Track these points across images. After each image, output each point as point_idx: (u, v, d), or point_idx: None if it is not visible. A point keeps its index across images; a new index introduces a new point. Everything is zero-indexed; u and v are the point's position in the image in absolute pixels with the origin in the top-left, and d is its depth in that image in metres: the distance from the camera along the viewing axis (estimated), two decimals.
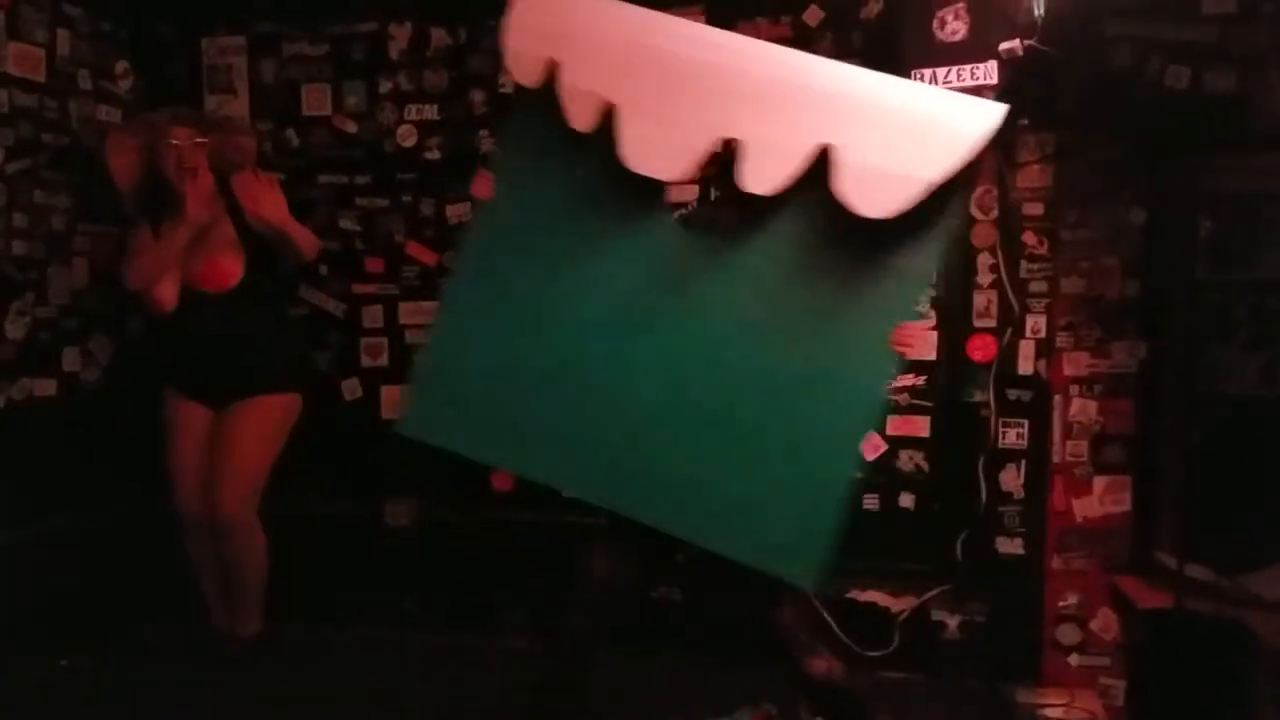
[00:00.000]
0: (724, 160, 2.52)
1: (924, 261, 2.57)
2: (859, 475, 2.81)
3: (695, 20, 3.43)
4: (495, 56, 3.93)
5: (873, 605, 3.73)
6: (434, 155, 4.08)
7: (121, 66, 4.13)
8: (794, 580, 2.59)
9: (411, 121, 4.09)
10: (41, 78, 3.73)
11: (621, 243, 2.61)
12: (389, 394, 4.11)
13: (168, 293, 3.55)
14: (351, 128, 4.16)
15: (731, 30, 3.00)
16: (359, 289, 4.16)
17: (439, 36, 4.06)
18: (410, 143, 4.09)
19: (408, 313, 4.11)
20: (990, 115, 2.46)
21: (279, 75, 4.23)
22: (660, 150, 2.50)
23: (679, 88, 2.53)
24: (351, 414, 4.15)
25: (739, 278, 2.57)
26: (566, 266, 2.63)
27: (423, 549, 4.10)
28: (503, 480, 4.02)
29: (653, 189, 2.57)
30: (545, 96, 2.55)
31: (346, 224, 4.16)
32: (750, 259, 2.57)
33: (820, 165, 2.44)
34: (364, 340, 4.14)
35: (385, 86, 4.12)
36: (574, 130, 2.53)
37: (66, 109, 3.86)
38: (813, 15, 3.74)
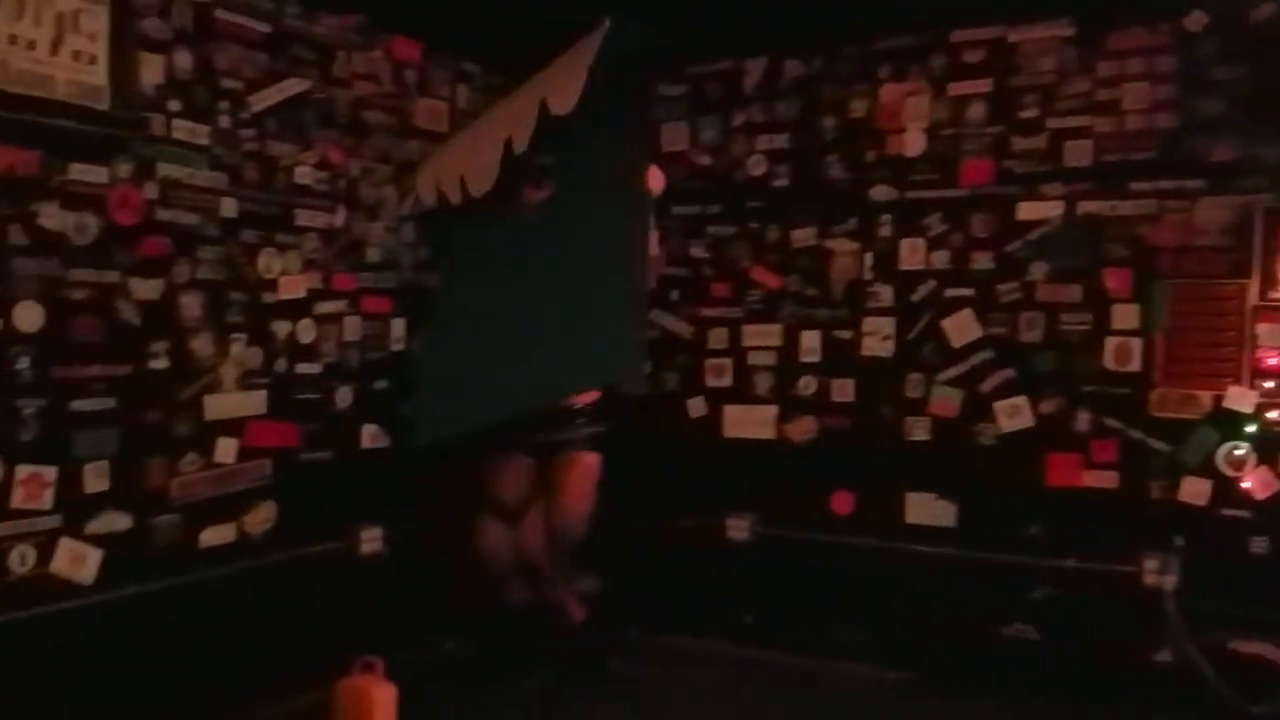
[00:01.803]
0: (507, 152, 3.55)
1: (631, 128, 3.58)
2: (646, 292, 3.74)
3: (1062, 31, 3.71)
4: (848, 83, 4.05)
5: (1258, 659, 3.33)
6: (781, 183, 4.19)
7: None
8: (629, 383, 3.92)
9: (762, 151, 4.24)
10: (445, 128, 4.24)
11: (493, 243, 3.79)
12: (731, 413, 4.25)
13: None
14: (706, 160, 4.37)
15: (1103, 40, 3.60)
16: (705, 312, 4.34)
17: (792, 68, 4.19)
18: (759, 171, 4.23)
19: (751, 335, 4.24)
20: (599, 30, 3.43)
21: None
22: (482, 175, 3.62)
23: (479, 138, 3.80)
24: (696, 431, 4.33)
25: (549, 214, 3.73)
26: (476, 279, 3.81)
27: (762, 565, 4.16)
28: (842, 503, 4.03)
29: (491, 201, 3.69)
30: (441, 204, 3.88)
31: (697, 251, 4.37)
32: (545, 203, 3.76)
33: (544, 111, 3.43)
34: (709, 361, 4.31)
35: (738, 119, 4.30)
36: (453, 205, 3.80)
37: None
38: (1195, 21, 3.48)
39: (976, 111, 3.82)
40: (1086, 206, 3.64)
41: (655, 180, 3.58)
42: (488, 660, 3.92)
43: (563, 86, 3.42)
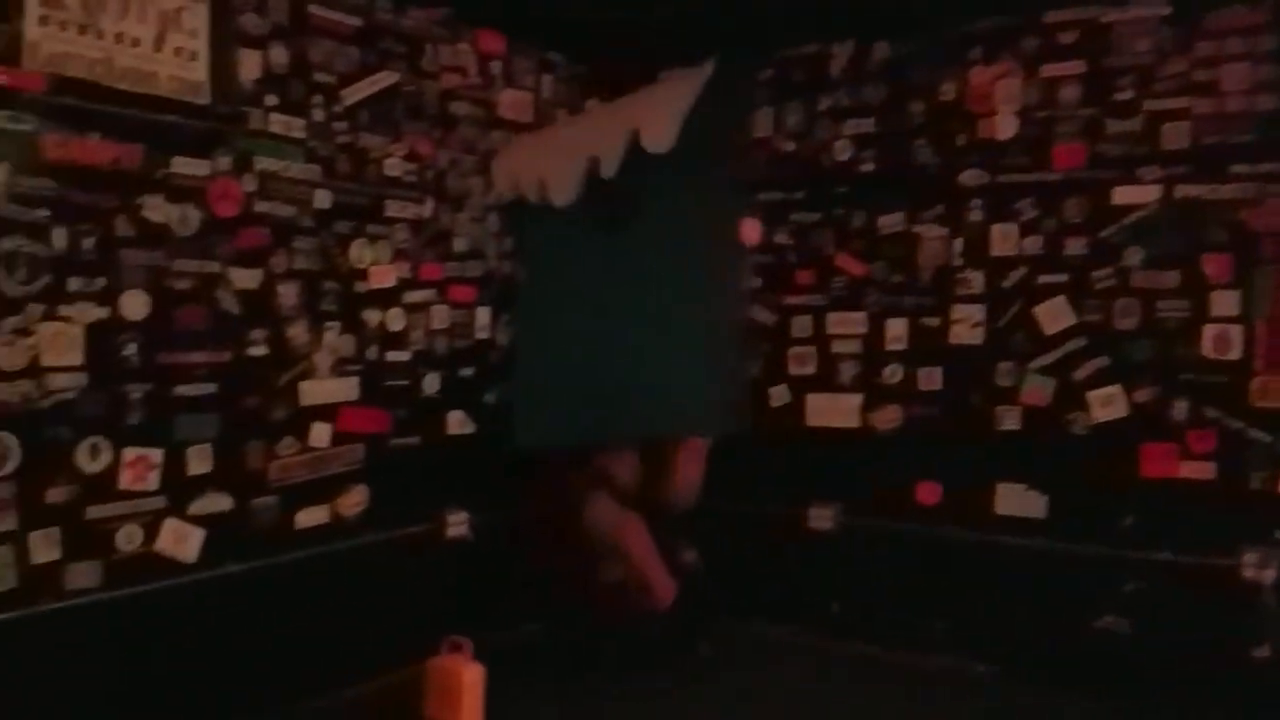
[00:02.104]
0: (592, 171, 3.70)
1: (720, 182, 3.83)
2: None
3: (1158, 11, 3.58)
4: (938, 66, 3.98)
5: None
6: (868, 168, 4.14)
7: (592, 104, 4.63)
8: (714, 432, 3.79)
9: (848, 136, 4.19)
10: (529, 119, 4.28)
11: (578, 256, 3.85)
12: (814, 402, 4.22)
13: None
14: (790, 146, 4.33)
15: (1201, 20, 3.50)
16: (789, 300, 4.30)
17: (880, 50, 4.12)
18: (845, 156, 4.19)
19: (835, 322, 4.20)
20: (706, 69, 3.67)
21: None
22: (565, 185, 3.77)
23: (564, 147, 3.93)
24: (778, 420, 4.31)
25: (638, 246, 3.75)
26: (564, 291, 3.88)
27: (846, 555, 4.14)
28: (929, 493, 3.98)
29: (579, 218, 3.80)
30: (519, 199, 3.96)
31: (780, 238, 4.33)
32: (637, 231, 3.75)
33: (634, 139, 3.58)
34: (792, 349, 4.28)
35: (824, 104, 4.25)
36: (534, 204, 3.89)
37: None
38: None
39: (1070, 94, 3.71)
40: (1184, 190, 3.52)
41: (751, 232, 3.59)
42: (573, 642, 3.98)
43: (659, 122, 3.50)
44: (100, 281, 2.80)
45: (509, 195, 3.98)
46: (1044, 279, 3.77)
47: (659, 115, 3.56)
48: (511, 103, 4.18)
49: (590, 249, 3.84)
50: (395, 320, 3.67)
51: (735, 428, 3.70)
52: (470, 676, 3.11)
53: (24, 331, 2.63)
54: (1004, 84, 3.84)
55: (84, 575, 2.77)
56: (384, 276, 3.63)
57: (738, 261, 3.68)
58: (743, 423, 3.72)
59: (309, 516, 3.38)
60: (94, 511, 2.79)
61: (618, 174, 3.64)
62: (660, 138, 3.49)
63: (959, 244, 3.94)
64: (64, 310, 2.72)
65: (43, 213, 2.66)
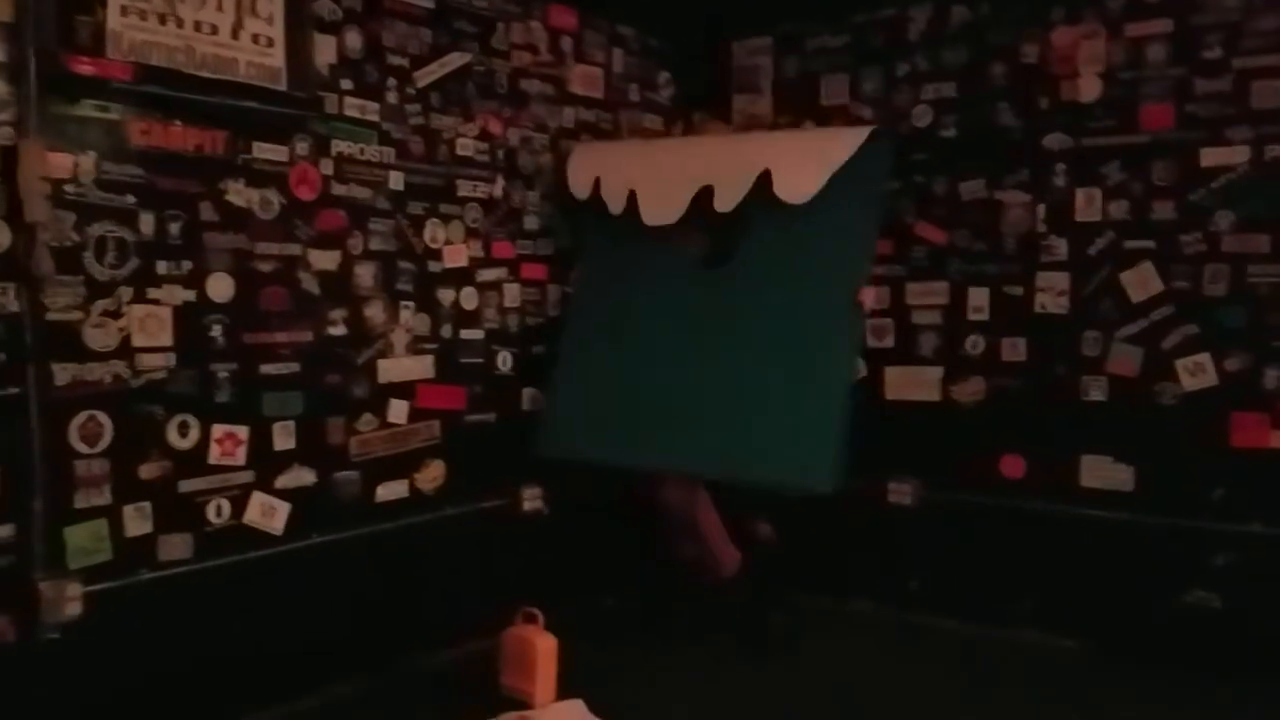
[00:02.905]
0: (702, 200, 3.60)
1: (858, 241, 3.58)
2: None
3: None
4: (1015, 26, 3.86)
5: None
6: (949, 133, 4.04)
7: (663, 77, 4.62)
8: (817, 488, 3.33)
9: (927, 101, 4.10)
10: (600, 94, 4.30)
11: (656, 283, 3.81)
12: (893, 375, 4.16)
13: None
14: (867, 113, 4.25)
15: None
16: None
17: (959, 13, 4.01)
18: (925, 122, 4.09)
19: (914, 293, 4.12)
20: (863, 132, 3.55)
21: (801, 69, 4.46)
22: (661, 206, 3.70)
23: (669, 167, 3.79)
24: (857, 392, 4.23)
25: (733, 278, 3.66)
26: (628, 308, 3.84)
27: (927, 530, 4.08)
28: (1013, 467, 3.90)
29: (664, 233, 3.71)
30: (594, 200, 3.88)
31: None
32: (738, 265, 3.67)
33: (764, 182, 3.49)
34: (870, 321, 4.19)
35: (903, 69, 4.16)
36: (612, 214, 3.83)
37: (618, 121, 4.41)
38: None
39: (1156, 53, 3.57)
40: (1275, 151, 3.36)
41: (869, 298, 3.55)
42: (648, 615, 4.02)
43: (804, 171, 3.42)
44: (187, 265, 2.89)
45: (582, 196, 3.92)
46: (1130, 244, 3.64)
47: (804, 164, 3.47)
48: (583, 77, 4.19)
49: (670, 271, 3.78)
50: (469, 299, 3.73)
51: (828, 488, 3.33)
52: (544, 646, 3.16)
53: (114, 314, 2.74)
54: (1088, 44, 3.70)
55: (176, 547, 2.89)
56: (457, 256, 3.68)
57: (853, 321, 3.51)
58: (837, 485, 3.35)
59: (389, 490, 3.47)
60: (185, 486, 2.91)
61: (733, 211, 3.57)
62: (802, 188, 3.42)
63: (1042, 210, 3.82)
64: (152, 293, 2.82)
65: (130, 198, 2.76)
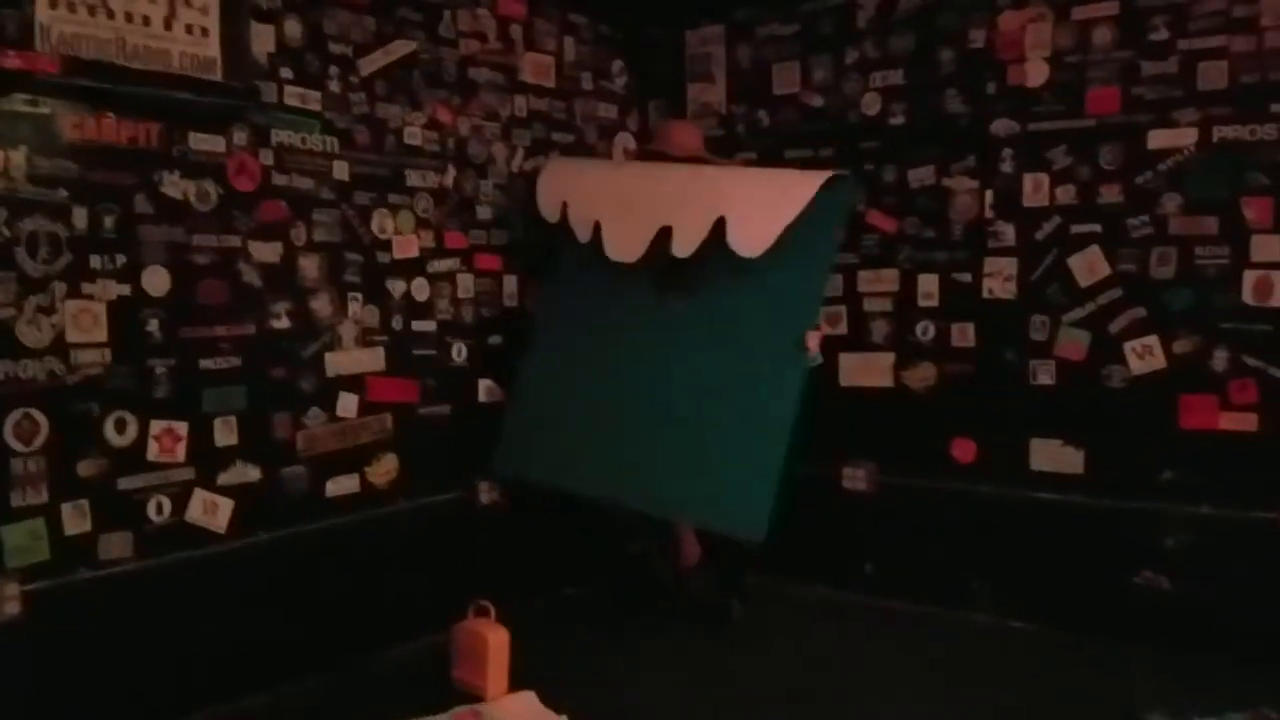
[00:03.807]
0: (662, 240, 3.53)
1: (809, 286, 3.49)
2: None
3: None
4: (966, 11, 3.86)
5: None
6: (898, 120, 4.04)
7: (617, 66, 4.59)
8: (751, 539, 3.29)
9: (876, 89, 4.09)
10: (552, 83, 4.26)
11: (613, 313, 3.76)
12: (846, 361, 4.17)
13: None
14: (818, 101, 4.25)
15: None
16: None
17: None
18: (874, 110, 4.09)
19: (865, 281, 4.13)
20: (818, 180, 3.37)
21: (753, 58, 4.45)
22: (624, 243, 3.63)
23: (633, 202, 3.68)
24: (810, 380, 4.24)
25: (686, 317, 3.60)
26: (586, 336, 3.81)
27: (881, 515, 4.10)
28: (964, 451, 3.92)
29: (626, 269, 3.64)
30: (561, 225, 3.82)
31: None
32: (691, 303, 3.60)
33: (719, 229, 3.41)
34: (823, 309, 4.18)
35: (851, 56, 4.16)
36: (579, 241, 3.76)
37: (572, 109, 4.38)
38: None
39: (1102, 36, 3.58)
40: (1223, 132, 3.38)
41: (814, 343, 3.43)
42: (606, 605, 4.01)
43: (756, 227, 3.34)
44: (121, 259, 2.85)
45: (552, 218, 3.83)
46: (1078, 229, 3.66)
47: (758, 217, 3.36)
48: (534, 66, 4.15)
49: (628, 303, 3.71)
50: (420, 290, 3.69)
51: (760, 539, 3.25)
52: (495, 639, 3.14)
53: (48, 310, 2.69)
54: (1034, 28, 3.71)
55: (116, 545, 2.85)
56: (407, 246, 3.64)
57: (799, 366, 3.37)
58: (765, 534, 3.25)
59: (339, 486, 3.43)
60: (124, 483, 2.87)
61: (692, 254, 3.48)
62: (753, 244, 3.34)
63: (990, 196, 3.83)
64: (87, 288, 2.78)
65: (62, 193, 2.72)
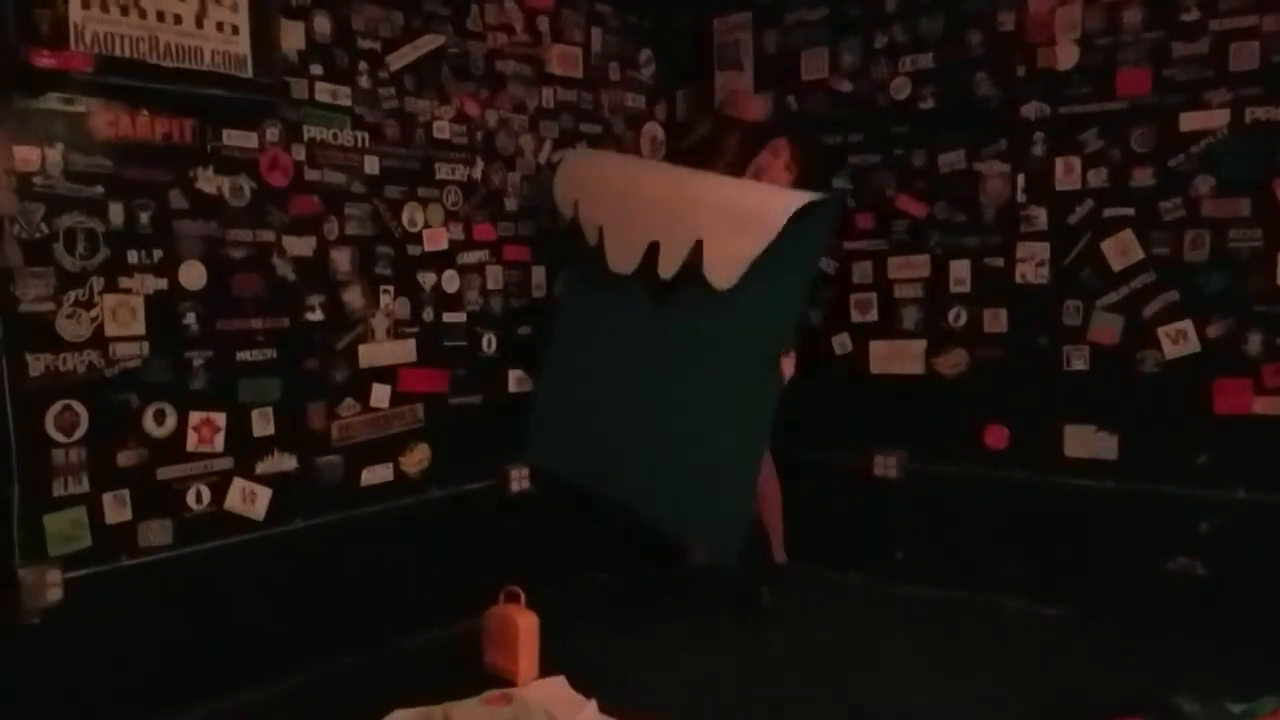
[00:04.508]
0: (652, 256, 3.53)
1: (785, 309, 3.45)
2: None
3: None
4: None
5: None
6: (927, 105, 4.02)
7: (645, 55, 4.59)
8: (719, 559, 3.44)
9: (905, 73, 4.07)
10: (579, 73, 4.27)
11: (616, 314, 3.76)
12: (878, 348, 4.15)
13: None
14: (846, 87, 4.23)
15: None
16: (849, 245, 4.22)
17: None
18: (903, 95, 4.07)
19: (896, 267, 4.11)
20: (797, 201, 3.28)
21: (781, 44, 4.44)
22: (622, 254, 3.65)
23: (629, 211, 3.64)
24: (842, 368, 4.26)
25: (672, 332, 3.59)
26: (595, 333, 3.83)
27: (912, 502, 4.09)
28: (997, 437, 3.90)
29: (628, 279, 3.65)
30: (576, 222, 3.81)
31: (839, 183, 4.24)
32: (676, 319, 3.58)
33: (696, 253, 3.41)
34: (854, 296, 4.21)
35: (880, 41, 4.13)
36: (588, 243, 3.76)
37: (599, 99, 4.39)
38: None
39: (1132, 17, 3.53)
40: (1255, 113, 3.33)
41: (789, 366, 3.49)
42: (634, 593, 4.05)
43: (726, 259, 3.32)
44: (158, 253, 2.92)
45: (568, 215, 3.84)
46: (1110, 212, 3.62)
47: (730, 246, 3.33)
48: (561, 57, 4.17)
49: (628, 307, 3.70)
50: (450, 282, 3.74)
51: (731, 564, 3.43)
52: (525, 623, 3.18)
53: (86, 304, 2.77)
54: (1063, 11, 3.67)
55: (156, 533, 2.93)
56: (437, 239, 3.69)
57: (770, 391, 3.39)
58: (733, 554, 3.39)
59: (373, 474, 3.50)
60: (163, 473, 2.95)
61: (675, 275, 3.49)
62: (722, 275, 3.34)
63: (1022, 180, 3.80)
64: (124, 282, 2.85)
65: (99, 189, 2.79)
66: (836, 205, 3.41)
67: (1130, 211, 3.58)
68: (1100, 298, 3.66)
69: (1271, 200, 3.32)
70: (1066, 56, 3.69)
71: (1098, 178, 3.65)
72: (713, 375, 3.46)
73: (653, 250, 3.52)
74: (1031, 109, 3.77)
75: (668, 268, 3.49)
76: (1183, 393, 3.50)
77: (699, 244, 3.39)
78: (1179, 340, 3.51)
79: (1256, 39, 3.33)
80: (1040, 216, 3.78)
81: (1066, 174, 3.71)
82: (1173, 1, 3.47)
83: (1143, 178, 3.56)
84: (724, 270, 3.34)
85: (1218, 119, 3.41)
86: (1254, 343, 3.37)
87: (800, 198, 3.32)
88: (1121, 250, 3.61)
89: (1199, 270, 3.46)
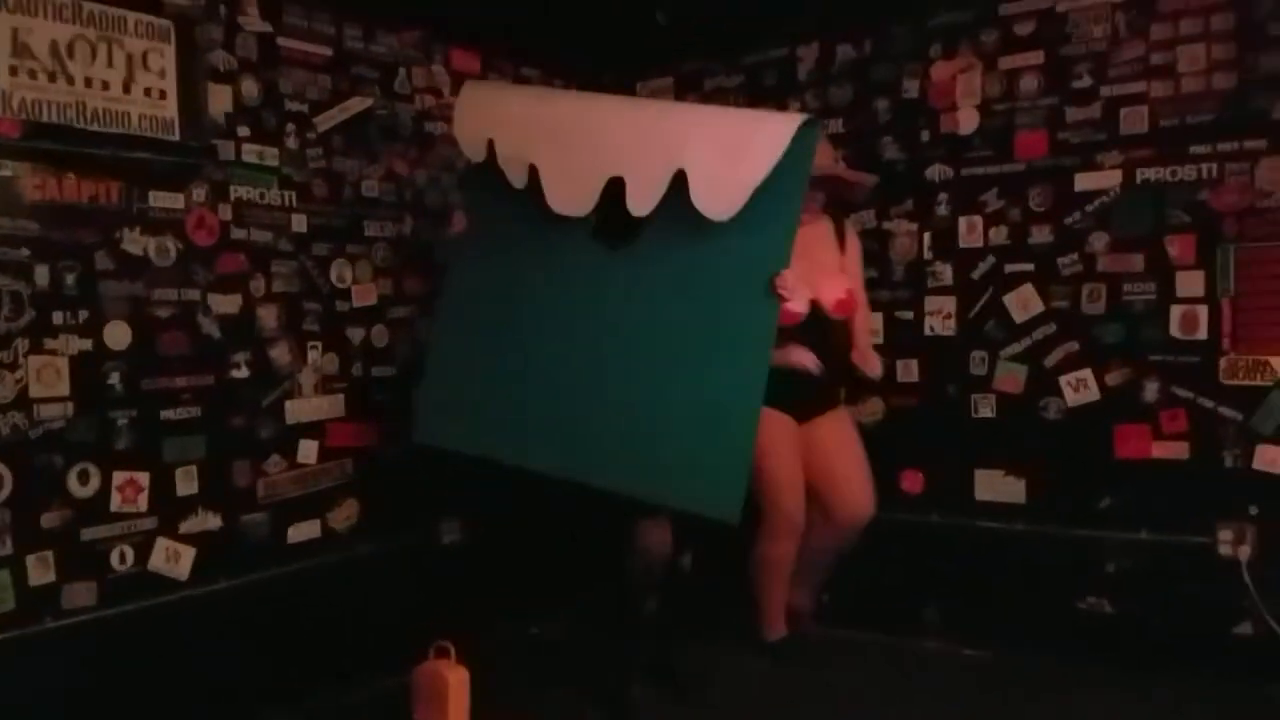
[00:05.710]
0: (613, 192, 3.08)
1: (776, 231, 2.97)
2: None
3: None
4: (896, 63, 4.05)
5: None
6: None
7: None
8: (719, 516, 2.90)
9: None
10: None
11: (554, 262, 3.30)
12: None
13: (801, 306, 3.52)
14: None
15: (1154, 3, 3.55)
16: None
17: (844, 51, 4.19)
18: None
19: None
20: (790, 123, 2.91)
21: None
22: (569, 194, 3.18)
23: (575, 146, 3.19)
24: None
25: (639, 273, 3.13)
26: (520, 287, 3.36)
27: None
28: (913, 482, 4.04)
29: (571, 222, 3.20)
30: (490, 165, 3.32)
31: None
32: (645, 256, 3.13)
33: (679, 183, 2.95)
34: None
35: (793, 107, 4.31)
36: (513, 187, 3.28)
37: None
38: None
39: (1029, 84, 3.77)
40: (1145, 173, 3.57)
41: (787, 284, 2.96)
42: (569, 644, 4.07)
43: (725, 188, 2.91)
44: (84, 314, 2.92)
45: (476, 158, 3.37)
46: (1011, 268, 3.82)
47: (723, 174, 2.91)
48: None
49: (568, 251, 3.27)
50: (380, 336, 3.79)
51: (736, 520, 2.89)
52: (455, 679, 3.18)
53: (11, 366, 2.76)
54: (964, 78, 3.90)
55: (80, 595, 2.90)
56: (366, 295, 3.74)
57: (769, 313, 2.95)
58: (739, 516, 2.91)
59: (300, 531, 3.50)
60: (87, 534, 2.92)
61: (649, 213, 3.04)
62: (719, 206, 2.90)
63: (928, 238, 4.00)
64: (49, 344, 2.84)
65: (24, 252, 2.79)
66: (818, 125, 3.03)
67: (1030, 267, 3.79)
68: (1004, 348, 3.85)
69: (1163, 255, 3.54)
70: (968, 121, 3.90)
71: (999, 235, 3.85)
72: (701, 309, 3.03)
73: (614, 186, 3.09)
74: (935, 171, 3.98)
75: (640, 204, 3.02)
76: (1085, 438, 3.68)
77: (680, 173, 2.95)
78: (1080, 388, 3.70)
79: (1145, 104, 3.57)
80: (946, 272, 3.97)
81: (970, 232, 3.92)
82: (1066, 69, 3.71)
83: (1041, 235, 3.77)
84: (722, 200, 2.91)
85: (1110, 179, 3.63)
86: (1150, 390, 3.57)
87: (792, 119, 2.97)
88: (1023, 304, 3.80)
89: (1097, 321, 3.67)
